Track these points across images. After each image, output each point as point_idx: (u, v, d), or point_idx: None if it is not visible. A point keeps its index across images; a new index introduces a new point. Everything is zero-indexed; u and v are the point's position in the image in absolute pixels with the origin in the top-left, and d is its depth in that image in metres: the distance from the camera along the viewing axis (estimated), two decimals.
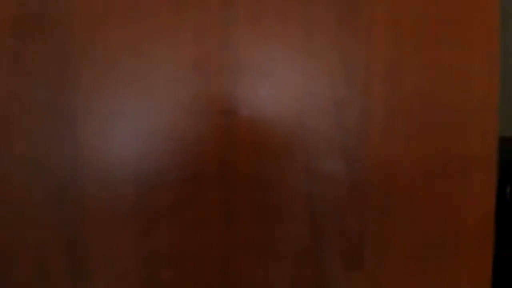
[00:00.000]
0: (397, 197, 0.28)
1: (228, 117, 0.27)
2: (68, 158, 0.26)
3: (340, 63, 0.27)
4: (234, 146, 0.27)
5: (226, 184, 0.27)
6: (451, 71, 0.29)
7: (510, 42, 1.43)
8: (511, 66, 1.43)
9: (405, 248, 0.29)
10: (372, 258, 0.28)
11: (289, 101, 0.27)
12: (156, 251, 0.26)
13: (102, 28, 0.26)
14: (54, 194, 0.26)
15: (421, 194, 0.29)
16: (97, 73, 0.26)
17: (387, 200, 0.28)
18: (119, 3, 0.26)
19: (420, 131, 0.29)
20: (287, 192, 0.27)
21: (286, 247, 0.28)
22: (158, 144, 0.26)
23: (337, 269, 0.28)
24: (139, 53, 0.26)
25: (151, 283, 0.27)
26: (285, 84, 0.27)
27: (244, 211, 0.27)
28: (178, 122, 0.26)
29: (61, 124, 0.26)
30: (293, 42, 0.27)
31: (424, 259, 0.29)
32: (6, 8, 0.25)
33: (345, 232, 0.28)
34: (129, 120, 0.26)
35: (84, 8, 0.26)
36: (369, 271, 0.28)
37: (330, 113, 0.27)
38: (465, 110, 0.29)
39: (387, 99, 0.28)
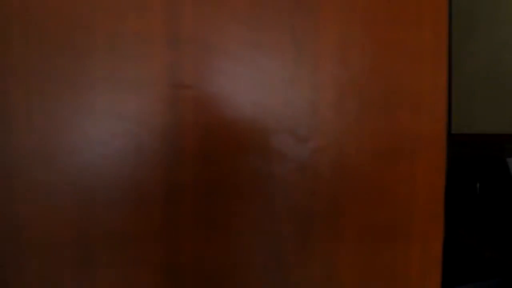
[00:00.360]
0: (347, 177, 0.28)
1: (174, 91, 0.25)
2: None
3: (290, 39, 0.27)
4: (180, 122, 0.26)
5: (172, 163, 0.26)
6: (400, 51, 0.29)
7: (476, 44, 1.50)
8: (485, 66, 1.49)
9: (355, 228, 0.29)
10: (322, 238, 0.28)
11: (237, 75, 0.26)
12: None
13: None
14: None
15: (371, 174, 0.29)
16: (30, 47, 0.24)
17: (337, 179, 0.28)
18: None
19: (370, 110, 0.29)
20: (234, 169, 0.26)
21: (241, 227, 0.27)
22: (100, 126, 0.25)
23: (289, 250, 0.28)
24: (74, 23, 0.24)
25: None
26: (233, 58, 0.26)
27: (192, 188, 0.26)
28: (119, 97, 0.25)
29: None
30: (242, 16, 0.26)
31: (374, 240, 0.29)
32: None
33: (296, 212, 0.27)
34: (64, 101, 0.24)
35: None
36: (319, 252, 0.28)
37: (279, 90, 0.27)
38: (415, 91, 0.30)
39: (337, 77, 0.28)
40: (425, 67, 0.30)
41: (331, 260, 0.28)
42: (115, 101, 0.25)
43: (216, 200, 0.26)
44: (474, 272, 1.13)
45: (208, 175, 0.26)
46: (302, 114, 0.27)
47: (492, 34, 1.37)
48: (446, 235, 1.37)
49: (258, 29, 0.26)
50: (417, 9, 0.29)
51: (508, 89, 1.31)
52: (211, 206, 0.26)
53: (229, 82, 0.26)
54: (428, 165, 0.30)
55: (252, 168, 0.26)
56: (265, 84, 0.26)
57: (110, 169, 0.24)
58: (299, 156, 0.27)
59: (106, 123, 0.24)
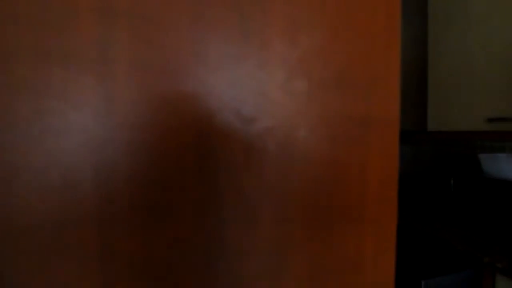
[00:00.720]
0: (297, 160, 0.27)
1: (105, 66, 0.24)
2: None
3: (236, 14, 0.26)
4: (111, 98, 0.24)
5: (104, 143, 0.24)
6: (352, 33, 0.29)
7: (450, 44, 1.54)
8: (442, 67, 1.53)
9: (305, 212, 0.28)
10: (270, 223, 0.27)
11: (175, 49, 0.25)
12: None
13: None
14: None
15: (322, 157, 0.28)
16: None
17: (286, 162, 0.27)
18: None
19: (321, 92, 0.28)
20: (173, 151, 0.25)
21: (182, 213, 0.26)
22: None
23: (233, 236, 0.26)
24: None
25: None
26: (171, 30, 0.25)
27: (128, 172, 0.25)
28: (43, 71, 0.23)
29: None
30: None
31: (326, 223, 0.29)
32: None
33: (241, 196, 0.26)
34: None
35: None
36: (266, 237, 0.27)
37: (223, 66, 0.25)
38: (367, 74, 0.29)
39: (286, 56, 0.27)
40: (377, 51, 0.29)
41: (279, 245, 0.27)
42: (38, 75, 0.23)
43: (154, 185, 0.25)
44: (447, 264, 1.16)
45: (145, 157, 0.24)
46: (248, 93, 0.26)
47: (465, 35, 1.42)
48: (422, 230, 1.40)
49: (201, 2, 0.25)
50: None
51: (479, 88, 1.36)
52: (149, 192, 0.25)
53: (167, 56, 0.25)
54: (381, 149, 0.30)
55: (193, 149, 0.25)
56: (207, 60, 0.25)
57: (33, 150, 0.22)
58: (244, 137, 0.26)
59: (28, 98, 0.22)
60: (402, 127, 1.93)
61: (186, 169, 0.25)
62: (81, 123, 0.23)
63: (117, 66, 0.24)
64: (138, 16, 0.24)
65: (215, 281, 0.26)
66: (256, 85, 0.26)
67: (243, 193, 0.26)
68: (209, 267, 0.25)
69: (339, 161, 0.29)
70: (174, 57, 0.24)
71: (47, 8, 0.23)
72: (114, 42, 0.24)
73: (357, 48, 0.29)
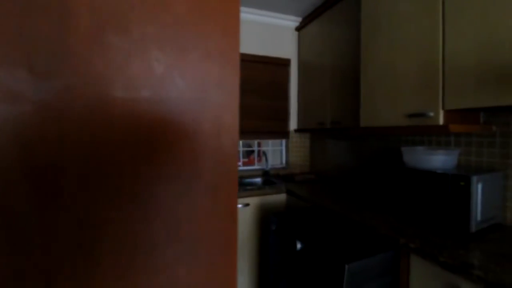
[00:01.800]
0: (110, 125, 0.27)
1: None
2: None
3: None
4: None
5: None
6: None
7: (378, 47, 1.67)
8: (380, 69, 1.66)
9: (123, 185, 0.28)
10: (72, 191, 0.26)
11: None
12: None
13: None
14: None
15: (144, 124, 0.28)
16: None
17: (98, 127, 0.26)
18: None
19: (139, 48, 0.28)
20: None
21: None
22: None
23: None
24: None
25: None
26: None
27: None
28: None
29: None
30: None
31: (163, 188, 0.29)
32: None
33: (34, 159, 0.25)
34: None
35: None
36: (69, 205, 0.26)
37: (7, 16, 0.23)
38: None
39: (95, 4, 0.26)
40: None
41: (83, 215, 0.26)
42: None
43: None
44: (372, 248, 1.24)
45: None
46: (43, 43, 0.24)
47: (390, 38, 1.56)
48: (353, 219, 1.49)
49: None
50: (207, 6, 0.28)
51: (400, 87, 1.49)
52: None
53: None
54: (214, 124, 0.31)
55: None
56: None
57: None
58: (38, 96, 0.24)
59: None
60: (343, 125, 2.04)
61: None
62: None
63: None
64: None
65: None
66: (55, 32, 0.25)
67: (34, 156, 0.24)
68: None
69: (167, 131, 0.29)
70: None
71: None
72: None
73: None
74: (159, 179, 0.26)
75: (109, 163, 0.25)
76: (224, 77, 0.26)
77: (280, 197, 2.23)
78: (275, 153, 3.02)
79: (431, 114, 1.31)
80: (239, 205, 2.06)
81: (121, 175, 0.26)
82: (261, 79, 2.72)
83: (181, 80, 0.26)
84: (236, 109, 0.29)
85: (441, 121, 1.28)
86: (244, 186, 2.24)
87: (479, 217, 1.21)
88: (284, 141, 2.95)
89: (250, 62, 2.64)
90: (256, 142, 2.94)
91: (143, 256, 0.25)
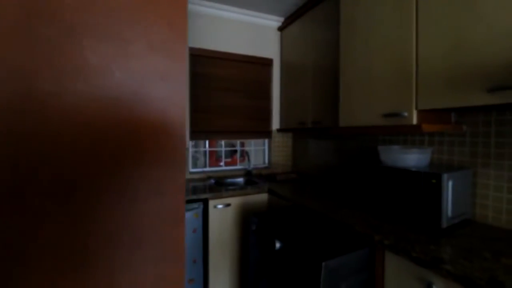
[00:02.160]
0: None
1: None
2: None
3: None
4: None
5: None
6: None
7: (356, 52, 1.70)
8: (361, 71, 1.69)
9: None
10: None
11: None
12: None
13: None
14: None
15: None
16: None
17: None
18: None
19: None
20: None
21: None
22: None
23: None
24: None
25: None
26: None
27: None
28: None
29: None
30: None
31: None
32: None
33: None
34: None
35: None
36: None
37: None
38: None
39: None
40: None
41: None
42: None
43: None
44: (349, 246, 1.26)
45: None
46: None
47: (367, 40, 1.59)
48: (333, 216, 1.51)
49: None
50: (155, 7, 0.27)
51: (376, 87, 1.52)
52: None
53: None
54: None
55: None
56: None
57: None
58: None
59: None
60: (324, 124, 2.07)
61: None
62: None
63: None
64: None
65: None
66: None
67: None
68: None
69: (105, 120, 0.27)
70: None
71: None
72: None
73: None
74: (98, 180, 0.24)
75: (41, 162, 0.23)
76: (170, 70, 0.25)
77: (261, 197, 2.23)
78: (257, 153, 3.02)
79: (405, 114, 1.35)
80: (220, 206, 2.04)
81: (58, 174, 0.24)
82: (243, 78, 2.71)
83: (120, 73, 0.24)
84: (184, 104, 0.28)
85: (414, 120, 1.32)
86: (226, 186, 2.22)
87: (450, 213, 1.26)
88: (266, 141, 2.96)
89: (232, 61, 2.62)
90: (238, 142, 2.93)
91: (79, 261, 0.23)
